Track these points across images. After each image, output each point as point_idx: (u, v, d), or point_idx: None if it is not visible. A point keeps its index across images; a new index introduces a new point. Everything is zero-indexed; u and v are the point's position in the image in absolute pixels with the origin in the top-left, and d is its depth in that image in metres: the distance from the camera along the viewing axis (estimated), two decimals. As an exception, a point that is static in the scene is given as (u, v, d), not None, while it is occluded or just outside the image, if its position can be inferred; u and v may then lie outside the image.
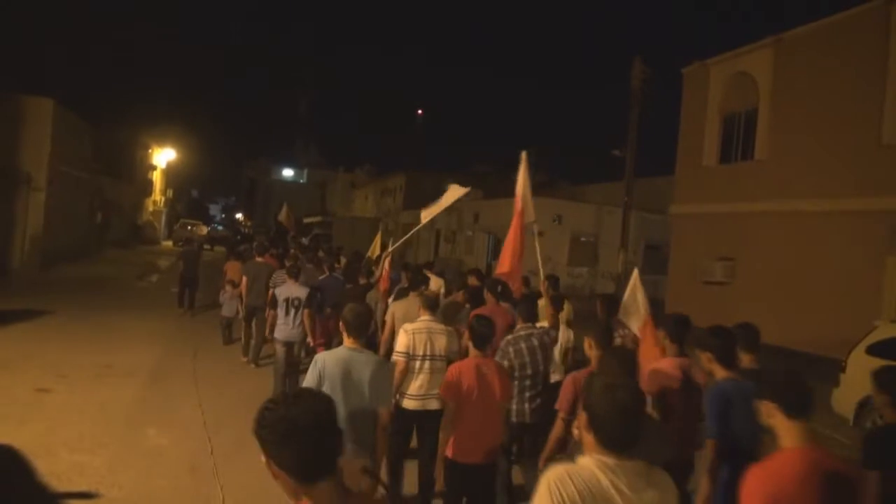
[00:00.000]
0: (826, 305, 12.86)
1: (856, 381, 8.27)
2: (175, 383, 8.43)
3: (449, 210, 36.24)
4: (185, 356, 10.12)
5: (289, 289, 7.74)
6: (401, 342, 4.95)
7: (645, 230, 24.98)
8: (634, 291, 6.10)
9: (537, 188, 30.30)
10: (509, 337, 5.10)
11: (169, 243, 42.29)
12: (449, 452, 4.12)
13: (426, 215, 10.00)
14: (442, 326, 5.14)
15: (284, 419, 1.61)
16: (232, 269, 11.36)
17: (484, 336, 4.34)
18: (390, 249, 9.86)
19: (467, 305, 6.81)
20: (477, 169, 46.04)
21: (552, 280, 7.44)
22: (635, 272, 6.37)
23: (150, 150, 43.43)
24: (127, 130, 36.78)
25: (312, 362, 3.87)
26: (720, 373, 3.85)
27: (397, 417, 4.63)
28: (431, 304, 5.21)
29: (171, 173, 51.78)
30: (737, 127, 16.57)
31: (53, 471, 5.24)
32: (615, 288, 18.98)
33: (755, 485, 2.37)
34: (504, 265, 7.23)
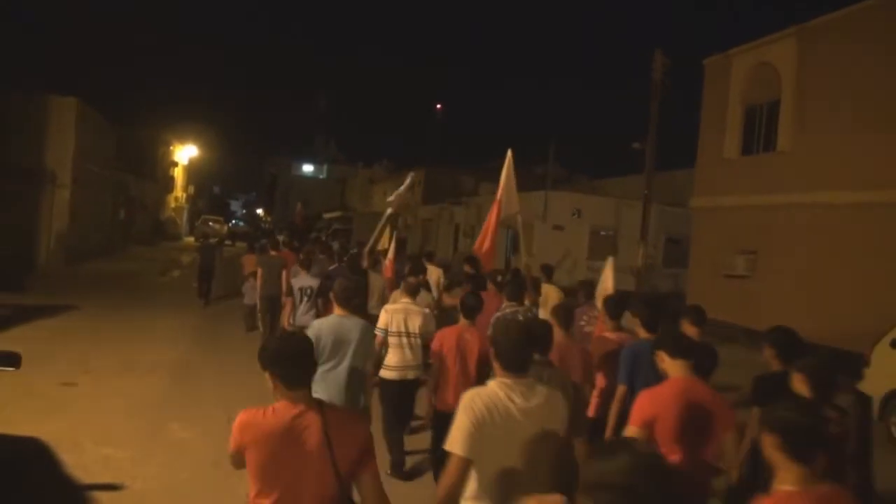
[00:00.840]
0: (850, 299, 12.65)
1: (881, 374, 8.15)
2: (198, 378, 8.54)
3: (468, 205, 36.25)
4: (208, 351, 10.25)
5: (302, 279, 8.57)
6: (381, 320, 5.72)
7: (665, 223, 24.76)
8: (606, 278, 7.26)
9: (556, 183, 30.20)
10: (498, 314, 5.90)
11: (191, 239, 42.75)
12: (435, 403, 5.00)
13: (389, 204, 11.20)
14: (418, 308, 5.84)
15: (277, 348, 2.54)
16: (249, 261, 12.38)
17: (471, 307, 5.19)
18: (370, 243, 10.73)
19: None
20: (495, 164, 45.94)
21: (546, 269, 8.82)
22: (609, 260, 7.64)
23: (171, 147, 43.90)
24: (149, 128, 37.26)
25: (309, 327, 4.77)
26: (642, 334, 4.81)
27: (381, 388, 5.63)
28: (411, 290, 6.05)
29: (192, 170, 52.30)
30: (759, 118, 16.33)
31: (79, 463, 5.35)
32: (635, 282, 18.87)
33: (643, 402, 3.38)
34: (480, 245, 8.11)
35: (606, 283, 7.25)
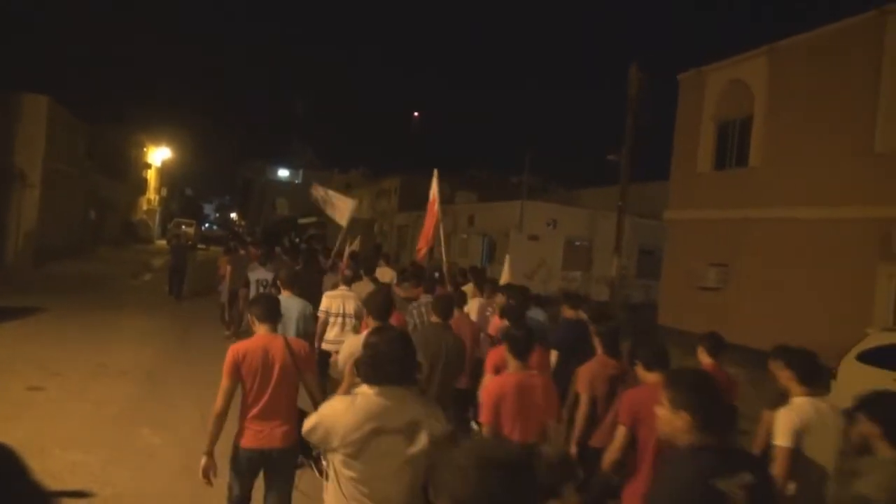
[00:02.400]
0: (818, 312, 12.94)
1: (847, 387, 8.33)
2: (169, 382, 8.42)
3: (444, 213, 36.23)
4: (179, 354, 10.11)
5: (258, 273, 9.90)
6: (322, 304, 6.88)
7: (639, 235, 25.08)
8: (504, 272, 9.29)
9: (532, 192, 30.38)
10: (414, 302, 6.91)
11: (163, 242, 42.17)
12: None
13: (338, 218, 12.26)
14: (353, 294, 6.96)
15: (255, 298, 4.22)
16: (223, 263, 13.12)
17: (444, 309, 5.26)
18: (335, 247, 12.22)
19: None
20: (472, 172, 46.09)
21: (473, 271, 10.26)
22: (507, 259, 10.27)
23: (144, 149, 43.34)
24: (122, 129, 36.71)
25: None
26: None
27: (319, 357, 6.06)
28: (347, 280, 7.27)
29: (165, 172, 51.66)
30: (731, 134, 16.66)
31: (47, 469, 5.24)
32: (610, 292, 19.05)
33: (491, 388, 4.13)
34: (421, 247, 10.42)
35: (504, 276, 9.28)
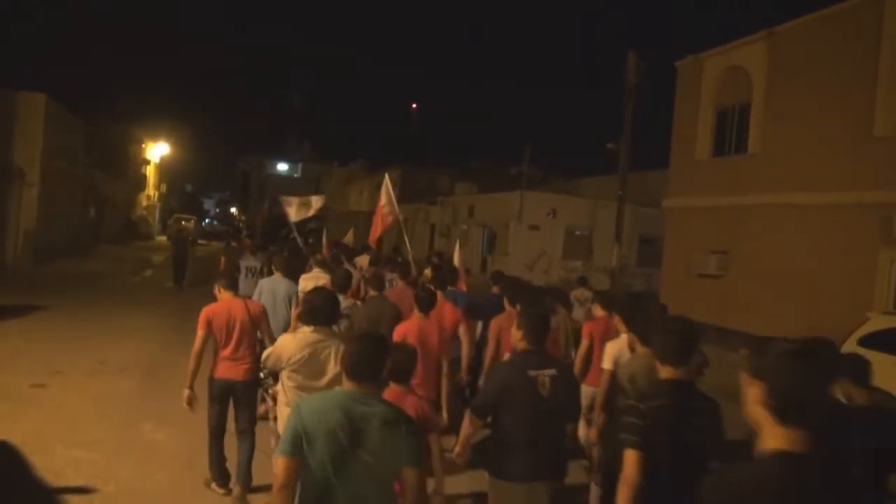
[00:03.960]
0: (819, 298, 12.93)
1: (848, 372, 8.32)
2: (170, 379, 8.40)
3: (444, 205, 36.20)
4: (180, 351, 10.07)
5: (248, 260, 10.92)
6: (300, 284, 7.51)
7: (639, 224, 25.03)
8: (455, 255, 10.54)
9: (531, 183, 30.35)
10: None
11: (163, 238, 42.16)
12: None
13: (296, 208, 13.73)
14: (326, 277, 7.48)
15: (220, 272, 5.92)
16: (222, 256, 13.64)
17: (425, 301, 5.63)
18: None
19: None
20: (472, 164, 46.02)
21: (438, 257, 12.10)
22: (457, 243, 11.69)
23: (143, 145, 43.24)
24: (120, 125, 36.62)
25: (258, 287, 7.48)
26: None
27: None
28: (319, 263, 8.52)
29: (164, 168, 51.58)
30: (730, 120, 16.59)
31: (49, 466, 5.25)
32: (610, 282, 19.05)
33: (399, 329, 5.32)
34: (372, 238, 12.23)
35: (456, 258, 10.39)
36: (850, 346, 8.46)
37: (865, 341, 8.19)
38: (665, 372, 2.98)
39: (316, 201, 13.45)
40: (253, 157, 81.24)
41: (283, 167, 79.79)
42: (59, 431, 6.09)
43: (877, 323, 8.47)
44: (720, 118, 16.95)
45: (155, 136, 44.88)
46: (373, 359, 2.72)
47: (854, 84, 13.00)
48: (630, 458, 2.65)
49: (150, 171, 46.51)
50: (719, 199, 16.07)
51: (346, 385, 2.72)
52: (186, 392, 4.95)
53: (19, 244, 20.06)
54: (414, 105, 59.19)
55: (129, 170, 39.70)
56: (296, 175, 76.70)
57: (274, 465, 2.62)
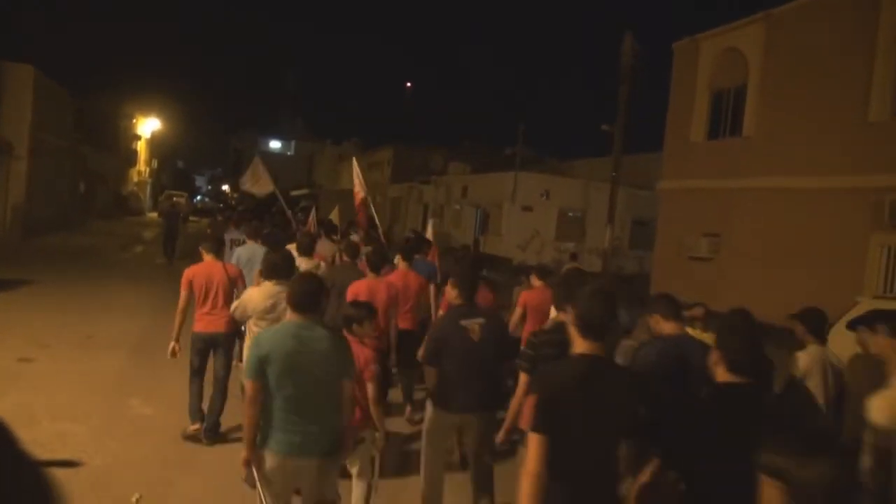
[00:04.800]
0: (810, 282, 12.97)
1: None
2: (158, 354, 8.29)
3: (437, 184, 36.04)
4: (168, 326, 10.03)
5: (232, 233, 10.92)
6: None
7: (633, 206, 25.04)
8: (427, 231, 11.49)
9: (525, 164, 30.29)
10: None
11: (154, 214, 41.91)
12: None
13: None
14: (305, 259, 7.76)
15: (204, 237, 8.58)
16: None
17: (374, 262, 6.36)
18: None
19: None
20: (465, 144, 45.80)
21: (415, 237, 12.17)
22: (430, 223, 13.38)
23: (134, 120, 42.78)
24: (110, 99, 36.18)
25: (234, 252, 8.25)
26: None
27: None
28: (306, 245, 8.61)
29: (155, 144, 51.08)
30: (726, 103, 16.54)
31: (36, 439, 5.21)
32: (602, 263, 19.08)
33: (352, 288, 5.95)
34: (360, 218, 12.54)
35: (427, 233, 11.32)
36: (839, 330, 8.49)
37: (853, 325, 8.21)
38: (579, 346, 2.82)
39: (265, 184, 13.46)
40: (245, 134, 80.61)
41: (275, 145, 79.21)
42: (47, 405, 6.05)
43: (866, 307, 8.49)
44: (715, 100, 16.89)
45: (146, 112, 44.40)
46: (312, 295, 3.38)
47: (850, 69, 12.95)
48: (532, 442, 2.57)
49: (141, 147, 46.07)
50: (713, 181, 16.06)
51: (292, 317, 3.36)
52: (172, 344, 5.61)
53: (8, 218, 19.89)
54: (408, 84, 58.67)
55: (120, 145, 39.31)
56: (289, 153, 76.21)
57: (245, 386, 3.44)
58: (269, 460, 3.31)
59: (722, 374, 2.53)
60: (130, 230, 28.92)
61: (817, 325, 4.67)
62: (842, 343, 8.31)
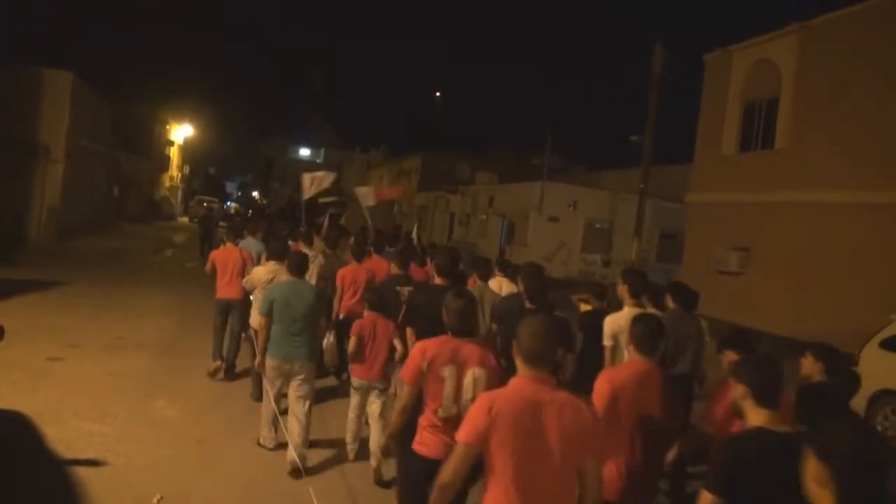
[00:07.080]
0: (842, 298, 12.68)
1: (869, 375, 8.15)
2: (185, 357, 8.48)
3: (463, 193, 36.03)
4: (197, 329, 10.17)
5: (248, 243, 10.11)
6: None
7: (660, 218, 24.77)
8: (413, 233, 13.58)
9: (553, 174, 30.08)
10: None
11: (185, 219, 42.54)
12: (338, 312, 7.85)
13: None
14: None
15: (228, 228, 11.06)
16: None
17: (357, 253, 8.04)
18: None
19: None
20: (493, 153, 45.79)
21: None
22: (414, 228, 14.98)
23: (167, 126, 43.58)
24: (144, 106, 36.93)
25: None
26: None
27: None
28: (302, 236, 9.63)
29: (188, 149, 51.99)
30: (758, 115, 16.30)
31: (61, 438, 5.30)
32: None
33: (341, 273, 7.66)
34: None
35: (412, 234, 13.36)
36: (871, 349, 8.28)
37: (887, 344, 8.01)
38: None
39: (326, 177, 13.60)
40: (275, 141, 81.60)
41: (305, 152, 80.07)
42: (74, 404, 6.15)
43: (901, 325, 8.25)
44: (747, 112, 16.66)
45: (180, 118, 45.22)
46: (301, 264, 5.57)
47: (886, 81, 12.68)
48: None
49: (174, 153, 46.90)
50: (743, 194, 15.82)
51: (289, 277, 5.52)
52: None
53: (43, 220, 20.33)
54: (438, 93, 58.88)
55: (153, 150, 40.04)
56: (318, 160, 76.83)
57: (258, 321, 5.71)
58: (270, 362, 5.30)
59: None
60: (161, 234, 29.39)
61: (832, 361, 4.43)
62: (876, 362, 8.12)
